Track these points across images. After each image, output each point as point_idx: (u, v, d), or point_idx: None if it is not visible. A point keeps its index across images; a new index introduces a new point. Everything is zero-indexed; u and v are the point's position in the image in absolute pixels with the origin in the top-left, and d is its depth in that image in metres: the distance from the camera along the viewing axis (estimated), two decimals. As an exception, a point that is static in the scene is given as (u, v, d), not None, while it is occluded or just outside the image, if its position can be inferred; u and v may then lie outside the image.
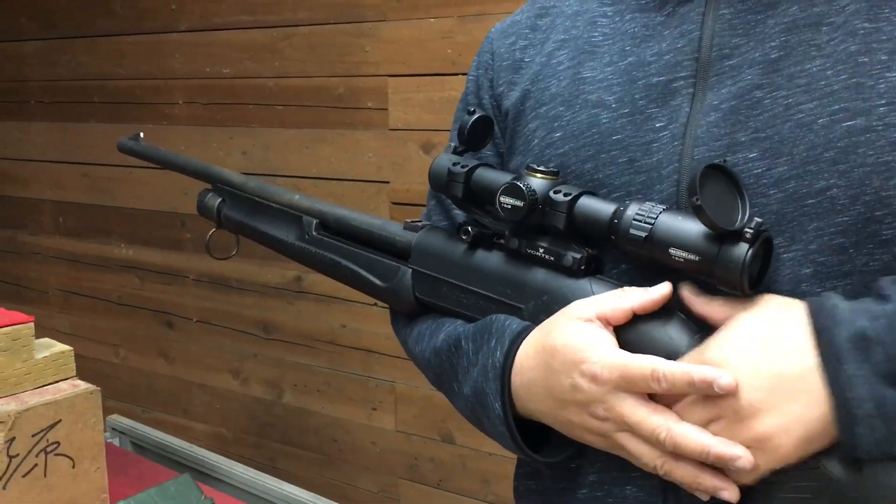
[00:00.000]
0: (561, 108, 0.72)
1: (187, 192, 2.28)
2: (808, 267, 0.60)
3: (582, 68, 0.72)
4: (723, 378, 0.55)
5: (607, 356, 0.60)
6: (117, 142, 1.08)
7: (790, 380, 0.55)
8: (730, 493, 0.57)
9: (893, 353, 0.53)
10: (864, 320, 0.54)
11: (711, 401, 0.57)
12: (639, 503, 0.66)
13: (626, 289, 0.63)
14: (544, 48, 0.76)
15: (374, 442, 2.14)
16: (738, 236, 0.57)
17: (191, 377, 2.49)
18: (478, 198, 0.71)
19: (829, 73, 0.61)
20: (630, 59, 0.70)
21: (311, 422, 2.25)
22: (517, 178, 0.67)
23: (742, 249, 0.57)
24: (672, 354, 0.60)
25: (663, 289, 0.62)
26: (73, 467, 1.11)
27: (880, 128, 0.58)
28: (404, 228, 0.79)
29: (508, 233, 0.70)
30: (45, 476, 1.08)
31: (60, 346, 1.16)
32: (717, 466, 0.57)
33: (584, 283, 0.66)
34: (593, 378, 0.60)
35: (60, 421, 1.09)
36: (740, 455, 0.55)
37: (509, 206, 0.66)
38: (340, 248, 0.83)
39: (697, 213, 0.56)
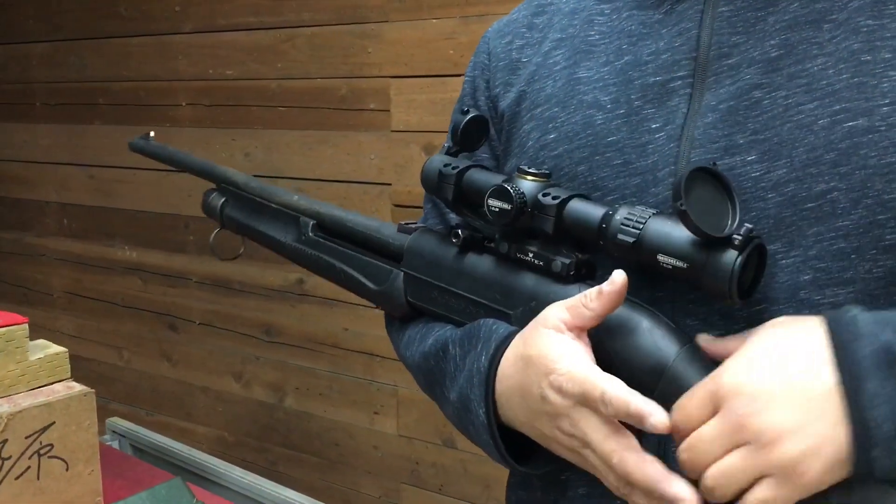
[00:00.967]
0: (556, 109, 0.70)
1: (191, 195, 2.28)
2: (808, 273, 0.58)
3: (578, 68, 0.70)
4: (654, 417, 0.52)
5: (573, 368, 0.57)
6: (129, 141, 1.09)
7: (814, 399, 0.50)
8: None
9: None
10: (889, 333, 0.50)
11: (730, 426, 0.51)
12: None
13: (586, 292, 0.59)
14: (541, 48, 0.74)
15: (376, 446, 2.12)
16: (727, 243, 0.54)
17: (193, 380, 2.49)
18: (469, 200, 0.69)
19: (830, 72, 0.59)
20: (627, 58, 0.67)
21: (313, 425, 2.24)
22: (507, 181, 0.65)
23: (731, 257, 0.54)
24: (659, 363, 0.58)
25: (617, 279, 0.57)
26: (67, 470, 1.10)
27: (883, 128, 0.56)
28: (398, 231, 0.78)
29: (499, 236, 0.68)
30: (38, 478, 1.07)
31: (55, 348, 1.15)
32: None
33: (573, 289, 0.63)
34: (559, 390, 0.57)
35: (54, 423, 1.08)
36: (685, 498, 0.52)
37: (497, 210, 0.64)
38: (335, 249, 0.82)
39: (682, 218, 0.54)
